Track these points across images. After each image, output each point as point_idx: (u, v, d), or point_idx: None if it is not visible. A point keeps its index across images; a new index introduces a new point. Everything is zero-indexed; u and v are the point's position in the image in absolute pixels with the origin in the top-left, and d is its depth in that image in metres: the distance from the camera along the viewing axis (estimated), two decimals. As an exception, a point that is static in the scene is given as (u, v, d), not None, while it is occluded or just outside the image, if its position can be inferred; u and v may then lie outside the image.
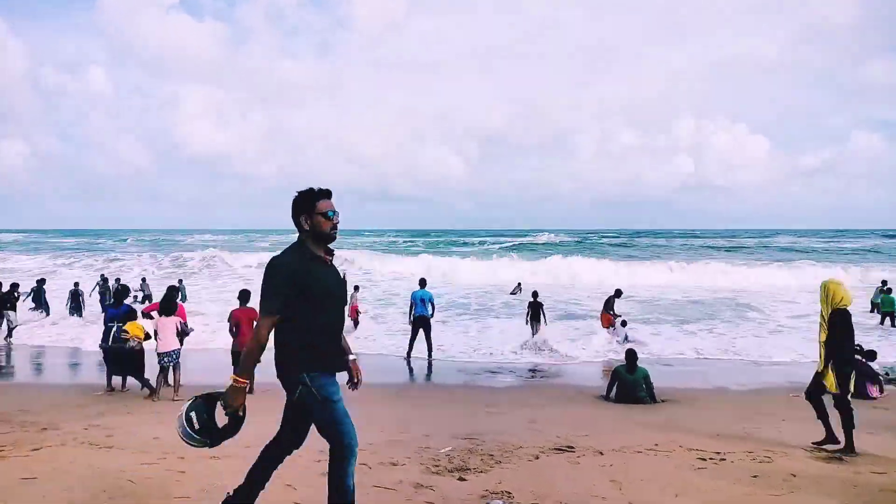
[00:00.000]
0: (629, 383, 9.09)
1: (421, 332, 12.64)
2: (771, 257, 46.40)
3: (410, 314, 12.87)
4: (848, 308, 6.24)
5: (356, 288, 17.48)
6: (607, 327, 15.15)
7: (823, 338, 6.27)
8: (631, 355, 9.29)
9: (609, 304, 15.37)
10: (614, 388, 9.27)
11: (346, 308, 14.85)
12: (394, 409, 8.52)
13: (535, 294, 15.43)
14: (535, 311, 14.81)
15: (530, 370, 11.84)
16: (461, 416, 8.33)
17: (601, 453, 6.17)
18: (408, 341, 12.89)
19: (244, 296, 9.59)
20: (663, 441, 6.67)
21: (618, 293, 15.77)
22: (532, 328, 14.67)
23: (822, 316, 6.33)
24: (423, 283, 13.48)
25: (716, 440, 6.77)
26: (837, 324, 6.18)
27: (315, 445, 6.51)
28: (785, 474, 5.54)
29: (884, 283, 19.44)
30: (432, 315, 12.97)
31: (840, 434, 6.36)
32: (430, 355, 12.60)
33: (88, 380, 10.92)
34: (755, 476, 5.49)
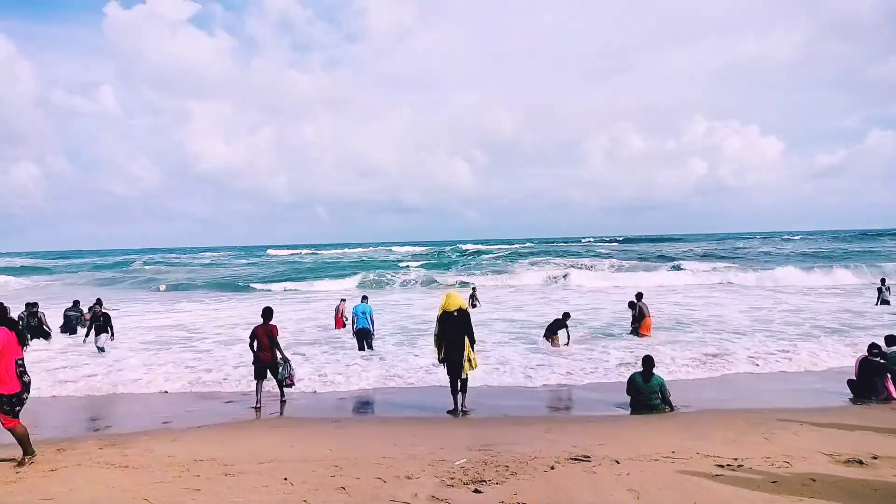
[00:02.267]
0: (644, 391, 8.98)
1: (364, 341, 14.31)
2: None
3: (353, 327, 14.48)
4: (449, 310, 8.87)
5: (342, 300, 18.72)
6: (649, 334, 15.05)
7: (437, 330, 8.97)
8: (647, 362, 9.18)
9: (642, 311, 15.22)
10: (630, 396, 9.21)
11: (333, 319, 15.84)
12: (407, 422, 8.51)
13: (566, 315, 14.54)
14: (557, 328, 14.21)
15: (541, 378, 11.77)
16: (475, 427, 8.30)
17: (617, 462, 6.12)
18: (357, 347, 14.41)
19: (266, 313, 10.12)
20: (680, 448, 6.61)
21: (636, 297, 15.67)
22: (550, 342, 14.14)
23: (436, 318, 9.04)
24: (364, 298, 15.04)
25: (733, 446, 6.70)
26: (440, 320, 8.91)
27: (329, 459, 6.53)
28: (804, 479, 5.47)
29: (882, 281, 22.64)
30: (373, 327, 14.51)
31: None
32: (365, 349, 14.14)
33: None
34: (774, 482, 5.42)
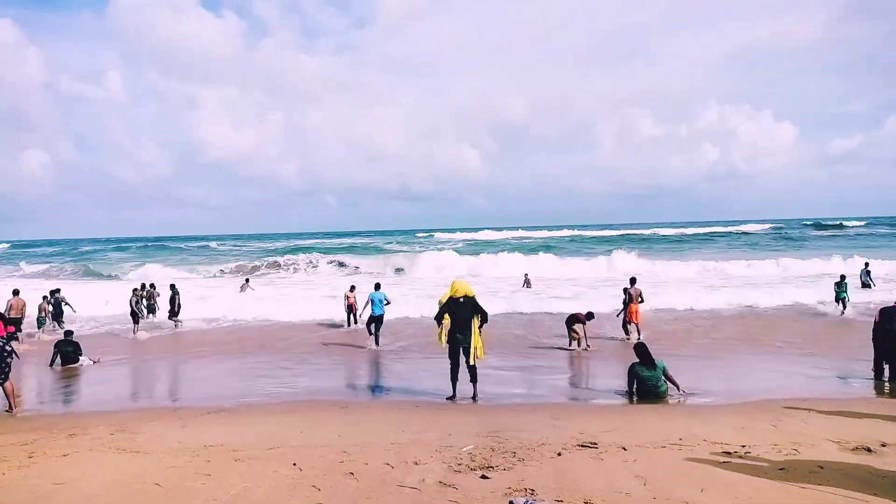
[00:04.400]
0: (648, 379, 8.87)
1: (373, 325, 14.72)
2: None
3: (363, 309, 15.10)
4: (455, 296, 8.83)
5: (352, 287, 19.25)
6: (637, 321, 14.74)
7: (439, 312, 8.93)
8: (642, 350, 8.99)
9: (632, 297, 14.95)
10: (635, 386, 8.98)
11: (344, 303, 16.15)
12: (415, 408, 8.54)
13: (589, 315, 13.81)
14: (575, 321, 13.53)
15: (550, 366, 11.79)
16: (482, 413, 8.32)
17: (625, 449, 6.13)
18: (371, 333, 14.70)
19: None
20: (687, 435, 6.60)
21: (629, 282, 15.48)
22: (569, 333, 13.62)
23: (439, 302, 9.05)
24: (378, 286, 15.27)
25: (741, 433, 6.69)
26: (447, 306, 8.87)
27: (337, 444, 6.57)
28: (812, 466, 5.46)
29: (866, 264, 24.10)
30: (383, 312, 14.88)
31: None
32: (377, 343, 14.36)
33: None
34: (782, 469, 5.42)
